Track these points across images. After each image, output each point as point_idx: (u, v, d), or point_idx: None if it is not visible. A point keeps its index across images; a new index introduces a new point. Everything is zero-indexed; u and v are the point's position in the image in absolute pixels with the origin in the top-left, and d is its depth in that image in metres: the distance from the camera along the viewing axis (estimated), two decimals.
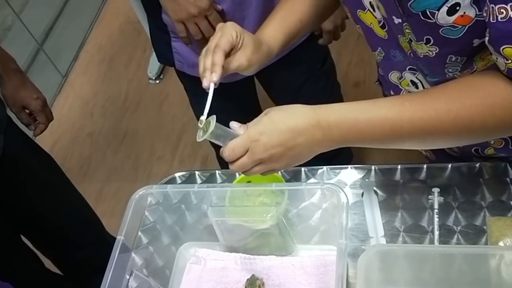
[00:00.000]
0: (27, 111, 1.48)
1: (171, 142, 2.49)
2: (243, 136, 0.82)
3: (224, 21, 1.29)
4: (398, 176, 1.03)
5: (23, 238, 1.58)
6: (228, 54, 0.89)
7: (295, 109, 0.81)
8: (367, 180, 1.05)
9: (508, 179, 0.98)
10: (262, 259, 0.96)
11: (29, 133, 1.56)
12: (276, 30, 0.99)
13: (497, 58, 0.72)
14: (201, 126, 0.85)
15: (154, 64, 2.75)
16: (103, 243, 1.71)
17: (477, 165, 1.00)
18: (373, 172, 1.05)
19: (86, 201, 1.71)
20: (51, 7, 2.96)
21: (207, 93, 0.88)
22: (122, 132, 2.60)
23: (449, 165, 1.02)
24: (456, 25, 0.72)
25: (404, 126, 0.77)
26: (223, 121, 1.96)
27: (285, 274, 0.94)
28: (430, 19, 0.73)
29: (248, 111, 1.70)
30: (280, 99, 1.60)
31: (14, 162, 1.39)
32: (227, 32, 0.89)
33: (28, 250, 1.55)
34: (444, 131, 0.76)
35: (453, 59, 0.80)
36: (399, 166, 1.05)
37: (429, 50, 0.79)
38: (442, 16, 0.72)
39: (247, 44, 0.91)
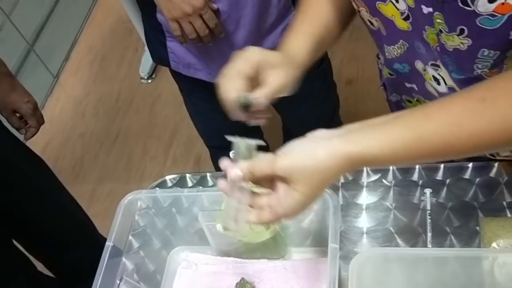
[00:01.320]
0: (18, 114, 1.46)
1: (164, 142, 2.47)
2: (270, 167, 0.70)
3: (219, 20, 1.28)
4: (390, 177, 1.03)
5: (14, 241, 1.57)
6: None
7: (324, 149, 0.69)
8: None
9: (500, 179, 0.97)
10: (254, 263, 0.96)
11: (20, 136, 1.54)
12: (303, 40, 0.89)
13: None
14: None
15: (146, 64, 2.73)
16: (95, 245, 1.69)
17: (470, 165, 1.00)
18: (365, 173, 1.04)
19: (78, 203, 1.70)
20: (42, 7, 2.94)
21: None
22: (114, 132, 2.58)
23: (442, 166, 1.01)
24: (495, 13, 0.68)
25: (452, 153, 0.69)
26: (217, 121, 1.96)
27: (277, 278, 0.93)
28: (469, 6, 0.69)
29: None
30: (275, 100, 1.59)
31: (5, 165, 1.38)
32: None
33: (19, 253, 1.54)
34: (496, 149, 0.73)
35: (486, 53, 0.74)
36: (391, 167, 1.04)
37: (461, 43, 0.75)
38: (483, 3, 0.67)
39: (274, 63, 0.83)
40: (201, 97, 1.55)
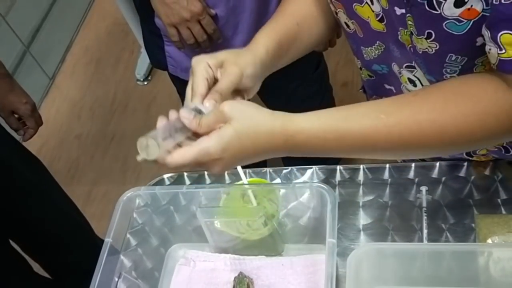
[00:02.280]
0: (16, 115, 1.47)
1: None
2: (200, 153, 0.72)
3: (218, 25, 1.29)
4: (386, 175, 1.04)
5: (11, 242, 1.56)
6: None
7: (262, 124, 0.74)
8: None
9: (495, 177, 0.98)
10: (252, 259, 0.96)
11: (18, 137, 1.55)
12: (269, 36, 0.89)
13: (490, 50, 0.68)
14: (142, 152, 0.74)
15: (141, 66, 2.74)
16: (92, 246, 1.70)
17: (465, 163, 1.01)
18: (361, 171, 1.05)
19: (75, 205, 1.70)
20: (38, 9, 2.94)
21: None
22: (110, 134, 2.58)
23: (437, 164, 1.02)
24: (461, 19, 0.69)
25: (379, 143, 0.72)
26: None
27: (275, 274, 0.94)
28: (436, 9, 0.69)
29: None
30: (272, 103, 1.60)
31: (2, 166, 1.38)
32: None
33: (16, 253, 1.54)
34: (426, 145, 0.71)
35: (453, 58, 0.75)
36: (387, 165, 1.05)
37: (429, 46, 0.75)
38: (448, 7, 0.68)
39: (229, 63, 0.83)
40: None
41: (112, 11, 2.96)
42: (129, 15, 2.53)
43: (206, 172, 1.14)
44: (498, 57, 0.67)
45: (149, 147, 0.73)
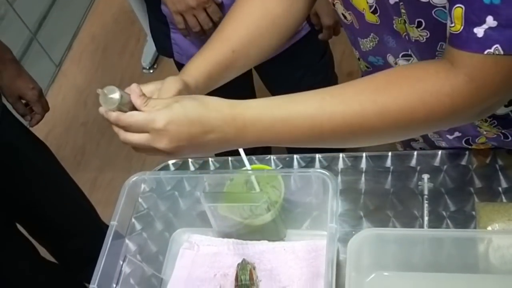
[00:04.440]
0: (23, 101, 1.48)
1: None
2: (147, 116, 0.73)
3: (223, 13, 1.29)
4: (389, 162, 1.05)
5: (19, 227, 1.58)
6: None
7: (211, 100, 0.75)
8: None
9: (497, 166, 0.99)
10: (254, 244, 0.98)
11: (25, 122, 1.56)
12: (199, 68, 0.90)
13: (449, 27, 0.67)
14: (102, 95, 0.75)
15: (148, 54, 2.75)
16: (98, 232, 1.71)
17: (466, 152, 1.02)
18: (364, 159, 1.06)
19: (81, 190, 1.72)
20: None
21: None
22: None
23: (439, 152, 1.03)
24: None
25: (324, 123, 0.72)
26: None
27: (277, 259, 0.95)
28: None
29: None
30: (277, 92, 1.61)
31: (10, 151, 1.40)
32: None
33: (23, 238, 1.56)
34: (369, 126, 0.71)
35: (444, 46, 0.75)
36: (389, 153, 1.06)
37: (420, 35, 0.76)
38: None
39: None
40: None
41: (118, 0, 2.97)
42: (135, 3, 2.54)
43: (210, 159, 1.16)
44: (449, 31, 0.67)
45: (110, 98, 0.74)
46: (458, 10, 0.64)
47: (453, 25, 0.66)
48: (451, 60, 0.68)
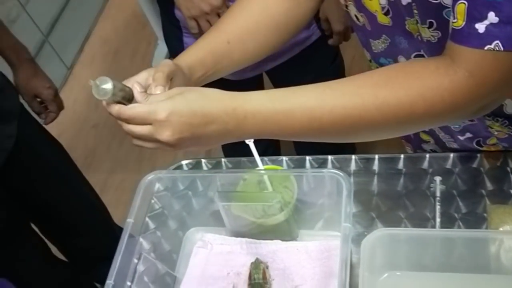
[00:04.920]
0: (38, 100, 1.50)
1: None
2: (149, 108, 0.74)
3: None
4: (401, 164, 1.06)
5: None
6: None
7: (212, 92, 0.76)
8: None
9: (508, 168, 1.00)
10: (268, 243, 0.99)
11: (40, 121, 1.58)
12: (196, 50, 0.91)
13: (451, 23, 0.68)
14: (94, 86, 0.76)
15: (158, 57, 2.77)
16: (109, 232, 1.73)
17: (478, 154, 1.02)
18: (376, 161, 1.07)
19: (94, 190, 1.74)
20: None
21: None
22: None
23: (451, 155, 1.04)
24: None
25: (324, 115, 0.72)
26: None
27: (290, 258, 0.96)
28: None
29: None
30: None
31: (26, 149, 1.42)
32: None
33: (36, 236, 1.57)
34: (369, 119, 0.72)
35: None
36: (402, 155, 1.07)
37: (431, 35, 0.77)
38: None
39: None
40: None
41: (130, 2, 2.99)
42: (147, 7, 2.56)
43: (223, 159, 1.17)
44: (451, 26, 0.68)
45: (102, 88, 0.75)
46: (461, 6, 0.65)
47: (455, 20, 0.66)
48: (452, 55, 0.69)
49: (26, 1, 2.72)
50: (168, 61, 0.85)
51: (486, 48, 0.65)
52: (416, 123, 0.75)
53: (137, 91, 0.78)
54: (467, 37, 0.66)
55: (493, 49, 0.65)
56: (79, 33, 3.06)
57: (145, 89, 0.79)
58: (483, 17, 0.64)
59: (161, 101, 0.75)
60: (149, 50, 2.87)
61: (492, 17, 0.63)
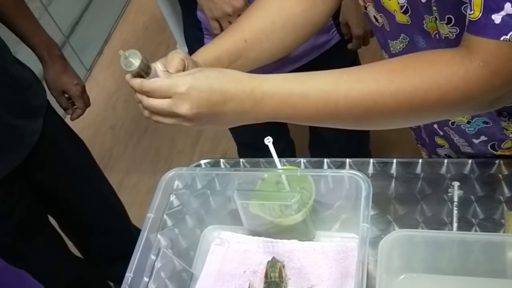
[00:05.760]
0: (66, 95, 1.53)
1: (191, 137, 2.53)
2: (170, 82, 0.76)
3: None
4: (419, 169, 1.06)
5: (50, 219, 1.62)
6: None
7: (231, 72, 0.79)
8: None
9: None
10: (284, 243, 0.99)
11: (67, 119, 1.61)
12: (213, 47, 0.93)
13: (468, 15, 0.69)
14: (124, 59, 0.78)
15: None
16: (125, 231, 1.75)
17: (497, 161, 1.03)
18: (394, 165, 1.08)
19: (113, 189, 1.76)
20: (78, 2, 3.02)
21: None
22: (143, 126, 2.65)
23: (469, 160, 1.04)
24: None
25: (340, 99, 0.74)
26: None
27: (306, 258, 0.97)
28: None
29: None
30: None
31: (50, 144, 1.45)
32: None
33: (53, 230, 1.59)
34: (383, 104, 0.73)
35: None
36: (420, 160, 1.07)
37: (449, 32, 0.78)
38: None
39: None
40: None
41: (151, 6, 3.03)
42: (166, 11, 2.59)
43: (241, 160, 1.18)
44: (468, 18, 0.68)
45: (130, 60, 0.77)
46: None
47: (472, 12, 0.67)
48: (468, 46, 0.70)
49: (48, 3, 2.76)
50: (180, 52, 0.86)
51: (502, 38, 0.66)
52: (429, 111, 0.75)
53: (159, 69, 0.79)
54: (483, 27, 0.67)
55: (509, 40, 0.66)
56: (99, 36, 3.10)
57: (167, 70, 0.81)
58: (500, 8, 0.65)
59: (182, 76, 0.77)
60: (168, 53, 2.89)
61: (508, 8, 0.64)
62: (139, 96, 0.79)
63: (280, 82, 0.77)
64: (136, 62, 0.77)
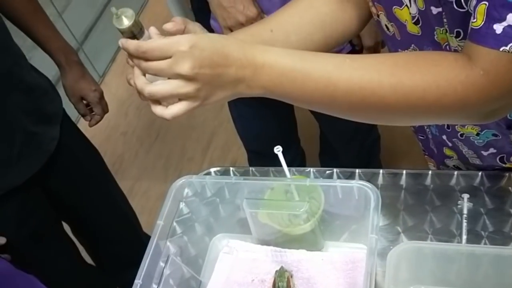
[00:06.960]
0: (84, 102, 1.53)
1: (202, 144, 2.54)
2: (171, 40, 0.71)
3: None
4: (428, 181, 1.06)
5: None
6: None
7: (234, 38, 0.78)
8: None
9: None
10: (293, 252, 1.00)
11: (80, 125, 1.62)
12: (238, 33, 0.94)
13: (471, 23, 0.69)
14: (116, 17, 0.75)
15: None
16: (136, 239, 1.75)
17: (507, 174, 1.02)
18: (404, 176, 1.08)
19: (125, 197, 1.76)
20: (92, 9, 3.05)
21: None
22: (154, 133, 2.66)
23: (480, 173, 1.04)
24: None
25: (340, 83, 0.73)
26: (257, 127, 1.97)
27: (314, 268, 0.97)
28: (463, 7, 0.72)
29: (283, 118, 1.75)
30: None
31: (66, 152, 1.45)
32: None
33: (67, 238, 1.60)
34: (381, 96, 0.72)
35: None
36: (430, 172, 1.07)
37: (458, 45, 0.78)
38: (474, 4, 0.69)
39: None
40: (244, 102, 1.61)
41: (164, 14, 3.04)
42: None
43: (251, 168, 1.18)
44: (471, 26, 0.68)
45: (123, 18, 0.75)
46: (482, 7, 0.66)
47: (475, 20, 0.68)
48: (469, 54, 0.70)
49: (63, 10, 2.79)
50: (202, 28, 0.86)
51: (501, 49, 0.66)
52: (425, 111, 0.74)
53: (153, 32, 0.77)
54: (484, 36, 0.67)
55: (508, 51, 0.66)
56: (112, 43, 3.12)
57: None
58: (502, 18, 0.65)
59: (183, 35, 0.74)
60: None
61: (510, 19, 0.65)
62: (136, 61, 0.75)
63: (283, 54, 0.75)
64: (128, 19, 0.74)
